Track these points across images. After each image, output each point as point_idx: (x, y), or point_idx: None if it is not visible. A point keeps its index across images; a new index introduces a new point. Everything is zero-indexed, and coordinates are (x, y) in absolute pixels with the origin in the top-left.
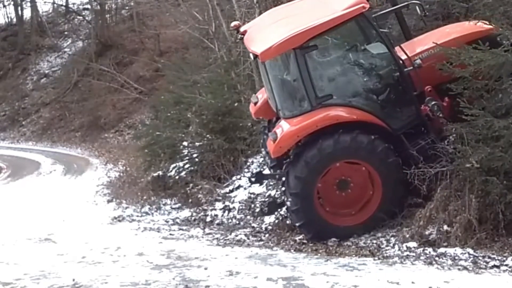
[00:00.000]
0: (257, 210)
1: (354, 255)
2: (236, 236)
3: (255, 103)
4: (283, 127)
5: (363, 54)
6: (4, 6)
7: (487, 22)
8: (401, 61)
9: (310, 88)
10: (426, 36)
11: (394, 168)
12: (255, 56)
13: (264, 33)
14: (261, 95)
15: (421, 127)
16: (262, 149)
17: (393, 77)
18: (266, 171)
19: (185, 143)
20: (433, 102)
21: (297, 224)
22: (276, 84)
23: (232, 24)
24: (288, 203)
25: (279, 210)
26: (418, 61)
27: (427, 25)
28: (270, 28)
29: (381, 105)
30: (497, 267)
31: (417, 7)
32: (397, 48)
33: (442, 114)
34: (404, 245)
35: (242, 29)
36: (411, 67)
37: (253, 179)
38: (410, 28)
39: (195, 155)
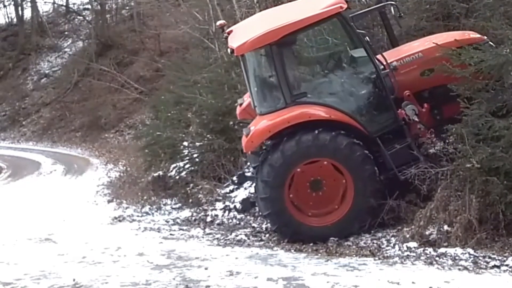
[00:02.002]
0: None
1: (354, 255)
2: (237, 236)
3: (241, 105)
4: (257, 123)
5: (344, 55)
6: (4, 6)
7: (475, 33)
8: (379, 64)
9: (285, 86)
10: (412, 43)
11: (368, 175)
12: (232, 51)
13: (245, 31)
14: (247, 97)
15: (399, 131)
16: None
17: (370, 79)
18: (249, 173)
19: (185, 143)
20: (409, 106)
21: (263, 214)
22: (253, 81)
23: (218, 23)
24: (258, 190)
25: (253, 208)
26: (394, 63)
27: (401, 26)
28: (253, 27)
29: (358, 107)
30: (498, 267)
31: (392, 8)
32: (379, 56)
33: (418, 118)
34: (404, 245)
35: (229, 29)
36: (387, 70)
37: (235, 181)
38: (410, 28)
39: (195, 155)
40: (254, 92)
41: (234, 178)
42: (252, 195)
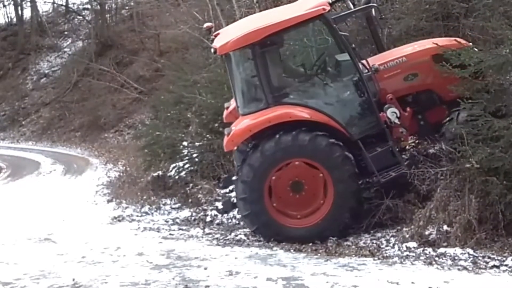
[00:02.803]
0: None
1: (354, 255)
2: (236, 236)
3: (227, 108)
4: (238, 123)
5: (328, 58)
6: (4, 6)
7: (461, 40)
8: (362, 67)
9: (267, 86)
10: (397, 49)
11: (347, 177)
12: (215, 51)
13: (231, 33)
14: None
15: (382, 135)
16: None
17: (353, 82)
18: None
19: (185, 143)
20: (390, 109)
21: (243, 214)
22: (237, 82)
23: (205, 25)
24: (237, 190)
25: (234, 209)
26: (376, 66)
27: (383, 28)
28: (239, 29)
29: (340, 109)
30: (497, 267)
31: (373, 10)
32: (364, 61)
33: (400, 122)
34: (404, 245)
35: (216, 32)
36: (369, 72)
37: (220, 185)
38: (410, 28)
39: (195, 155)
40: (238, 93)
41: (220, 181)
42: (233, 197)
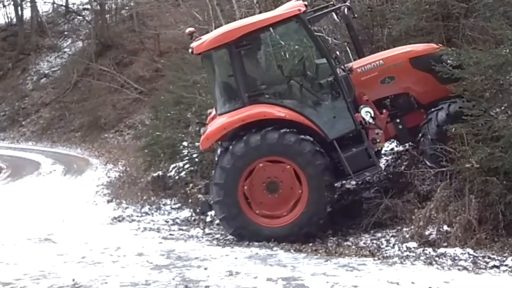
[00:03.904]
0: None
1: (354, 255)
2: None
3: (210, 113)
4: (214, 122)
5: (305, 59)
6: (4, 6)
7: (440, 45)
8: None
9: (243, 85)
10: (378, 53)
11: (320, 171)
12: (192, 51)
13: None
14: None
15: (358, 136)
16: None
17: (329, 82)
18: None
19: (185, 143)
20: (364, 109)
21: (219, 217)
22: (215, 82)
23: (187, 30)
24: (212, 193)
25: (211, 210)
26: (350, 65)
27: (355, 28)
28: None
29: (315, 109)
30: (497, 267)
31: (345, 10)
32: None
33: (374, 122)
34: (404, 245)
35: (198, 38)
36: (344, 72)
37: (202, 190)
38: (410, 28)
39: (195, 155)
40: (216, 93)
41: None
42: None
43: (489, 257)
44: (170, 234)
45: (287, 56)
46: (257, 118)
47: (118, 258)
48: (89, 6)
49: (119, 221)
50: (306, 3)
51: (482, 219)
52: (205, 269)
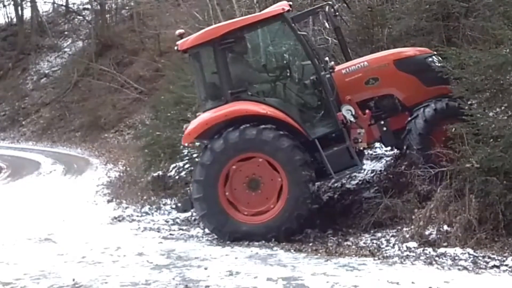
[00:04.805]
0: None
1: (354, 255)
2: None
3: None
4: (197, 118)
5: (289, 58)
6: (4, 6)
7: (426, 49)
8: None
9: (226, 82)
10: (364, 57)
11: (299, 166)
12: (177, 48)
13: None
14: None
15: (340, 136)
16: None
17: (312, 81)
18: None
19: None
20: (345, 107)
21: (199, 215)
22: (199, 78)
23: (177, 32)
24: (192, 191)
25: (193, 208)
26: (332, 64)
27: (336, 26)
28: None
29: (298, 108)
30: (497, 267)
31: (326, 8)
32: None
33: (355, 121)
34: (404, 245)
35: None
36: (327, 72)
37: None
38: (410, 28)
39: (195, 155)
40: (200, 90)
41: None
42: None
43: (489, 257)
44: (170, 234)
45: (272, 55)
46: (239, 114)
47: (118, 258)
48: (89, 6)
49: (119, 221)
50: (290, 3)
51: (482, 219)
52: (205, 269)
